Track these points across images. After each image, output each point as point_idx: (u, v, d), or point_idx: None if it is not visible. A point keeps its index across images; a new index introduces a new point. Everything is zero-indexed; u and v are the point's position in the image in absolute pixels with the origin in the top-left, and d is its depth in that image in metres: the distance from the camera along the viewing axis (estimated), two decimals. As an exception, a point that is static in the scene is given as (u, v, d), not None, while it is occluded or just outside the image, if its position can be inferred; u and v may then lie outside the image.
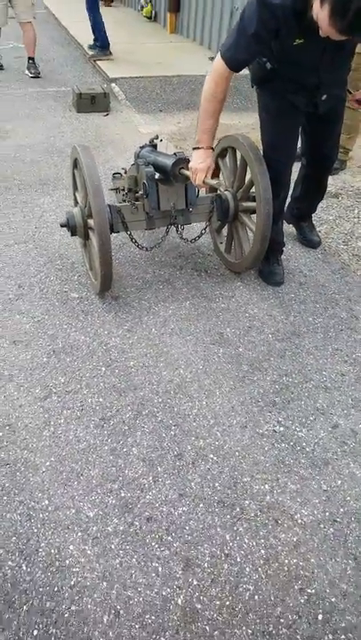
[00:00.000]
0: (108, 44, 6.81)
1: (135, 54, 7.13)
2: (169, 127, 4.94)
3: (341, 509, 1.74)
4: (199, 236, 2.77)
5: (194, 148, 2.36)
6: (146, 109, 5.38)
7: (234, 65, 2.16)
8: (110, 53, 6.88)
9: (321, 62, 2.15)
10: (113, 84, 5.97)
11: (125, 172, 3.17)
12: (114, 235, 2.61)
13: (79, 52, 7.45)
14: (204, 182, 2.34)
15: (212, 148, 2.37)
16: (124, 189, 3.03)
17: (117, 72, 6.28)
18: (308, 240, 3.12)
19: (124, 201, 2.92)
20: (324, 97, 2.32)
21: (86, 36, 7.07)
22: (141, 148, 2.86)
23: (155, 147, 2.87)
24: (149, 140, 2.89)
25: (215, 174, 2.93)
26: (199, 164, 2.31)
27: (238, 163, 2.65)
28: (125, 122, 5.06)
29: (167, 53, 7.33)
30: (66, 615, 1.47)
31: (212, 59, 6.30)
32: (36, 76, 6.24)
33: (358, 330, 2.50)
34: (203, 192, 2.79)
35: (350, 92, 2.58)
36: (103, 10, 7.07)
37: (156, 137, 2.93)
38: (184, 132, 4.80)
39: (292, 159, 2.60)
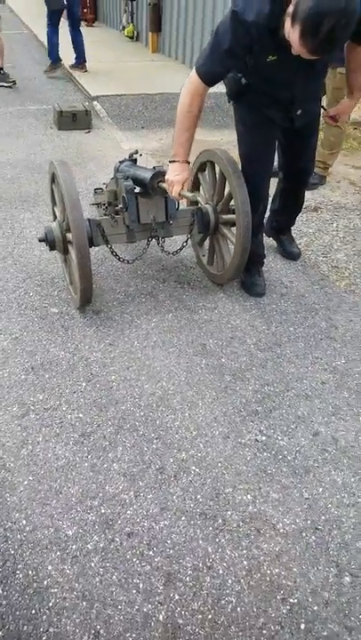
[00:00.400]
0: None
1: (117, 73, 7.22)
2: (151, 144, 4.98)
3: (323, 517, 1.72)
4: (181, 249, 2.77)
5: (170, 162, 2.37)
6: (128, 126, 5.43)
7: (208, 79, 2.18)
8: (84, 68, 7.20)
9: (295, 78, 2.18)
10: (95, 102, 6.03)
11: (106, 187, 3.19)
12: (95, 249, 2.61)
13: (60, 72, 7.52)
14: (180, 194, 2.35)
15: (188, 162, 2.37)
16: (105, 204, 3.04)
17: (99, 90, 6.35)
18: (288, 252, 3.13)
19: (105, 215, 2.93)
20: (299, 112, 2.35)
21: (67, 55, 7.15)
22: (121, 162, 2.88)
23: (134, 161, 2.88)
24: (129, 155, 2.91)
25: (195, 188, 2.96)
26: (175, 176, 2.33)
27: (217, 176, 2.67)
28: (107, 139, 5.10)
29: (149, 72, 7.43)
30: (44, 638, 1.43)
31: (192, 76, 6.41)
32: (11, 86, 6.35)
33: (337, 339, 2.50)
34: (183, 205, 2.80)
35: (325, 109, 2.62)
36: (84, 30, 7.21)
37: (136, 151, 2.95)
38: (166, 149, 4.84)
39: (268, 172, 2.62)
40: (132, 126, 5.45)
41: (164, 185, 2.40)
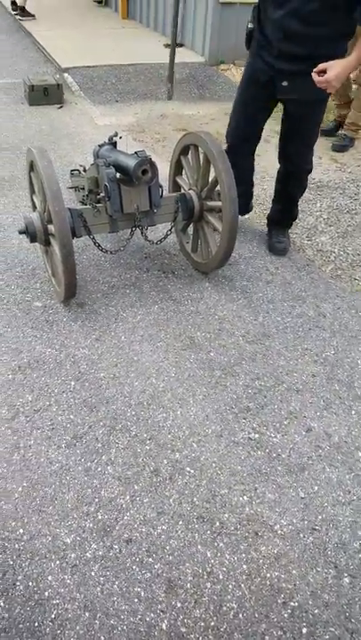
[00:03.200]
0: None
1: (87, 41, 6.90)
2: (126, 118, 4.81)
3: (320, 517, 1.74)
4: (165, 237, 2.71)
5: None
6: (101, 100, 5.23)
7: None
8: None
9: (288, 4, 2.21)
10: (66, 74, 5.77)
11: (84, 170, 3.07)
12: (76, 238, 2.52)
13: (28, 41, 7.16)
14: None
15: None
16: (83, 189, 2.93)
17: (70, 61, 6.07)
18: (270, 245, 3.07)
19: (84, 202, 2.82)
20: (284, 83, 2.40)
21: (39, 25, 6.79)
22: (100, 146, 2.76)
23: (114, 144, 2.77)
24: (108, 138, 2.79)
25: (177, 172, 2.89)
26: None
27: (201, 161, 2.59)
28: (81, 114, 4.90)
29: (121, 40, 7.12)
30: (48, 651, 1.43)
31: (166, 45, 6.18)
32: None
33: (326, 328, 2.50)
34: (166, 192, 2.72)
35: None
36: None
37: (115, 134, 2.83)
38: (142, 124, 4.69)
39: (248, 142, 2.82)
40: (105, 100, 5.25)
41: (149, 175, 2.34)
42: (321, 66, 2.20)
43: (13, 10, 7.97)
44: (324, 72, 2.21)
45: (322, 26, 2.23)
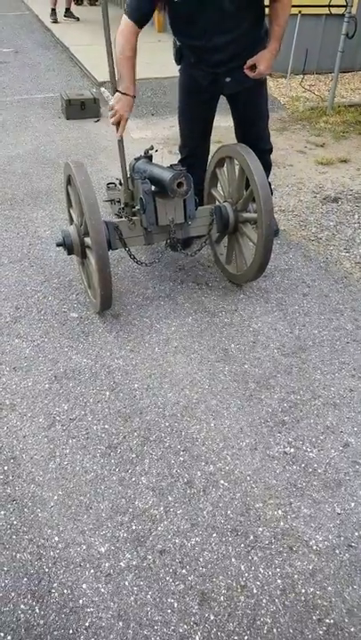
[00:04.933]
0: None
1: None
2: (162, 132, 4.88)
3: (356, 533, 1.71)
4: (199, 249, 2.73)
5: (120, 92, 2.45)
6: (137, 114, 5.31)
7: (135, 16, 2.36)
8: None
9: (209, 23, 2.34)
10: (102, 89, 5.90)
11: (120, 184, 3.12)
12: (112, 250, 2.57)
13: (65, 55, 7.37)
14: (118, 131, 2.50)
15: (134, 96, 2.50)
16: (119, 201, 2.98)
17: (106, 75, 6.19)
18: None
19: (120, 215, 2.88)
20: (228, 79, 2.55)
21: (75, 39, 6.98)
22: (136, 159, 2.81)
23: (150, 158, 2.82)
24: (144, 152, 2.84)
25: (213, 184, 2.91)
26: (125, 111, 2.47)
27: (237, 173, 2.61)
28: (117, 127, 4.99)
29: (156, 53, 7.23)
30: (82, 659, 1.44)
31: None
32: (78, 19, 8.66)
33: (364, 341, 2.47)
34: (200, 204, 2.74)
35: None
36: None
37: (151, 147, 2.88)
38: (177, 137, 4.73)
39: (205, 142, 2.96)
40: (141, 113, 5.33)
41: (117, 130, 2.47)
42: (250, 62, 2.47)
43: (52, 17, 8.72)
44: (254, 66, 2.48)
45: (242, 22, 2.39)
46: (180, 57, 2.68)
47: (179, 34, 2.54)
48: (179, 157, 3.13)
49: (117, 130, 2.52)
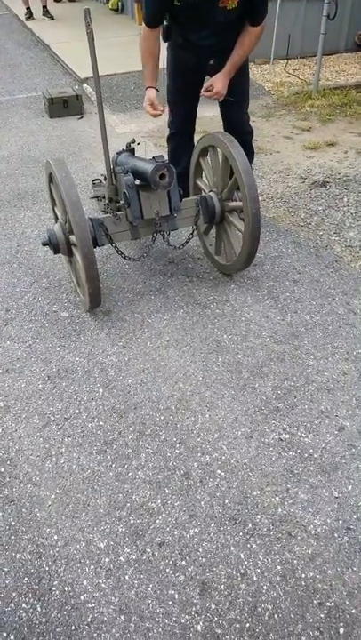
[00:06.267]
0: None
1: (104, 50, 6.97)
2: (146, 125, 4.85)
3: (354, 516, 1.71)
4: (187, 241, 2.71)
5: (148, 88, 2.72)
6: (121, 108, 5.29)
7: (148, 20, 2.59)
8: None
9: (203, 27, 2.52)
10: (85, 85, 5.86)
11: (105, 179, 3.11)
12: (99, 247, 2.56)
13: (46, 54, 7.31)
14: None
15: (155, 87, 2.73)
16: (105, 197, 2.97)
17: (88, 71, 6.14)
18: None
19: (105, 211, 2.86)
20: (211, 62, 2.67)
21: (55, 37, 6.93)
22: (118, 153, 2.80)
23: (132, 151, 2.80)
24: (126, 145, 2.82)
25: (198, 175, 2.90)
26: (149, 102, 2.69)
27: (220, 162, 2.59)
28: (101, 123, 4.96)
29: (137, 47, 7.18)
30: (86, 655, 1.45)
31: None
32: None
33: (357, 325, 2.46)
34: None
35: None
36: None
37: (133, 141, 2.86)
38: (163, 129, 4.70)
39: (190, 124, 3.08)
40: (124, 108, 5.31)
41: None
42: (207, 84, 2.68)
43: (26, 15, 8.99)
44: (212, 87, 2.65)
45: (232, 30, 2.56)
46: (167, 35, 2.78)
47: (174, 22, 2.66)
48: (164, 150, 3.14)
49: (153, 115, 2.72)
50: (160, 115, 2.71)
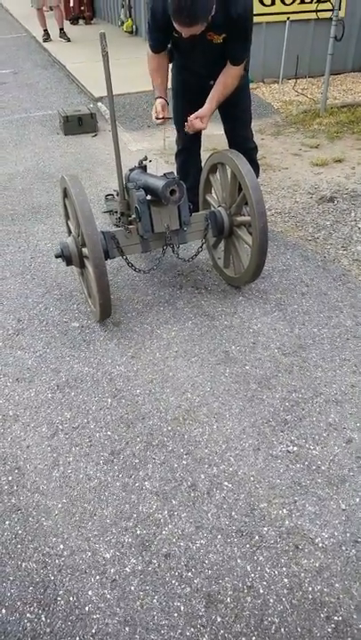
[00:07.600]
0: None
1: (118, 70, 7.11)
2: (158, 142, 4.92)
3: (363, 529, 1.69)
4: (196, 255, 2.74)
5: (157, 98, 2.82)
6: (133, 126, 5.38)
7: (152, 46, 2.75)
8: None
9: (198, 58, 2.67)
10: (99, 104, 5.98)
11: (117, 195, 3.16)
12: (110, 259, 2.59)
13: (62, 74, 7.48)
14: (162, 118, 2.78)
15: (163, 98, 2.82)
16: (117, 212, 3.02)
17: (102, 90, 6.26)
18: None
19: (117, 225, 2.91)
20: (211, 82, 2.72)
21: (71, 57, 7.09)
22: (131, 170, 2.85)
23: (144, 168, 2.85)
24: (138, 162, 2.88)
25: (207, 191, 2.94)
26: (159, 111, 2.77)
27: (229, 178, 2.63)
28: (114, 141, 5.05)
29: (150, 67, 7.33)
30: (89, 665, 1.43)
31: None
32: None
33: (365, 337, 2.46)
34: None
35: None
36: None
37: (145, 158, 2.92)
38: (174, 147, 4.77)
39: (197, 141, 3.17)
40: (137, 126, 5.40)
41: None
42: (191, 118, 2.71)
43: (44, 37, 9.19)
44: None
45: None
46: (171, 56, 2.90)
47: (175, 48, 2.80)
48: (174, 167, 3.18)
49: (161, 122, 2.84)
50: (162, 120, 2.79)
